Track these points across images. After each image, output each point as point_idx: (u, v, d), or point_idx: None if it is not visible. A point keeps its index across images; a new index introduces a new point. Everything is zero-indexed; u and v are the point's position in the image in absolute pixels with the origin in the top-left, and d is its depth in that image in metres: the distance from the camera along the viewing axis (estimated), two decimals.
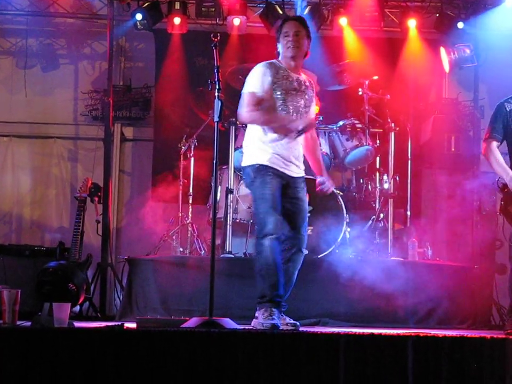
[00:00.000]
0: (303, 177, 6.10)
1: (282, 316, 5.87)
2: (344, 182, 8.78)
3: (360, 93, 8.61)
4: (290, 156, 5.97)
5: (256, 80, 5.94)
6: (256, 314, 5.81)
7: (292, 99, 5.95)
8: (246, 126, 8.26)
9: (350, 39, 9.67)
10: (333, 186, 6.25)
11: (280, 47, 6.04)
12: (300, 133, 5.93)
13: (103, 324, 5.58)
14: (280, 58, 6.04)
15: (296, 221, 6.02)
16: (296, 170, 6.03)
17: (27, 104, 10.08)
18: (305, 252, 6.07)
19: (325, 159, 8.45)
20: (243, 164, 6.08)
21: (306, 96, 6.04)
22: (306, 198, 6.10)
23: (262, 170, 5.91)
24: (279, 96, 5.92)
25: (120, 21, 9.84)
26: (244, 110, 5.93)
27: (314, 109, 6.22)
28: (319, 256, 8.00)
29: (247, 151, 6.08)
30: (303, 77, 6.11)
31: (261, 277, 5.84)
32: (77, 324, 5.19)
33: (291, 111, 5.94)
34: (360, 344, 4.66)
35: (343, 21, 9.55)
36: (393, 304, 7.33)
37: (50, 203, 10.06)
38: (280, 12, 9.45)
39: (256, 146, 5.99)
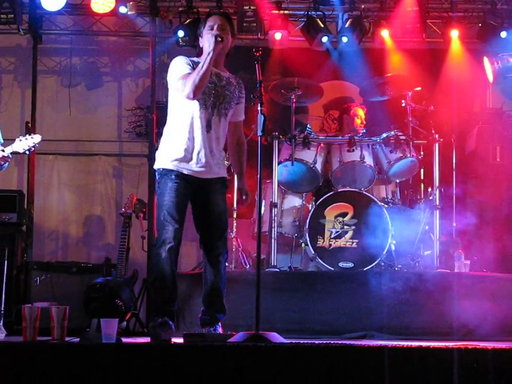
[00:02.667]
0: (221, 178, 5.84)
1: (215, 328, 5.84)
2: (388, 194, 8.73)
3: (403, 105, 8.56)
4: (202, 153, 5.67)
5: (182, 65, 5.66)
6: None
7: (209, 92, 5.66)
8: (290, 140, 8.34)
9: (392, 50, 9.65)
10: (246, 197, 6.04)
11: (203, 42, 5.71)
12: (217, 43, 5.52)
13: (150, 340, 5.60)
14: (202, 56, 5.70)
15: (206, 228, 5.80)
16: (209, 171, 5.72)
17: (72, 122, 10.18)
18: (223, 260, 5.84)
19: (368, 171, 8.44)
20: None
21: (226, 92, 5.76)
22: (221, 201, 5.83)
23: (165, 174, 5.67)
24: None
25: (162, 38, 9.92)
26: (188, 85, 5.52)
27: (239, 107, 5.87)
28: (364, 269, 7.97)
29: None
30: (226, 73, 5.86)
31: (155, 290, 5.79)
32: (125, 340, 5.21)
33: (207, 104, 5.66)
34: (406, 357, 4.61)
35: (384, 33, 9.54)
36: (441, 316, 7.27)
37: (95, 220, 10.13)
38: (321, 25, 9.46)
39: (164, 146, 5.76)
